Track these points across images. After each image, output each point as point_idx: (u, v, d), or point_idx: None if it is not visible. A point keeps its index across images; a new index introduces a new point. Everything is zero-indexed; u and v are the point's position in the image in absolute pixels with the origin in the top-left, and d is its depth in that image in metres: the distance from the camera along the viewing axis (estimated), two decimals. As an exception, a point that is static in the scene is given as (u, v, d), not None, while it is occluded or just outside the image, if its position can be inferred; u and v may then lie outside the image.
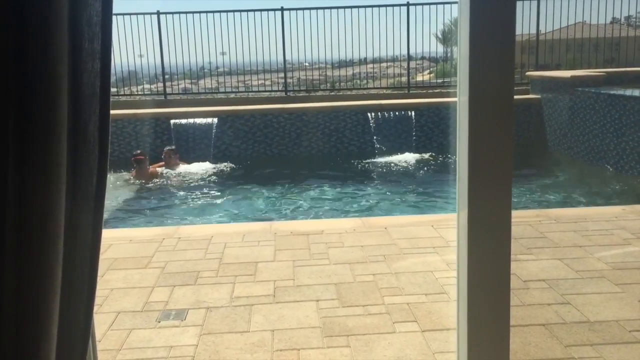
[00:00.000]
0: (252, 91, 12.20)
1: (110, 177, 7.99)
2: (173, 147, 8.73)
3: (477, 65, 1.37)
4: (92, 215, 1.00)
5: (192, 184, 8.07)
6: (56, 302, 0.92)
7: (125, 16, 10.87)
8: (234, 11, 10.87)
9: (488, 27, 1.35)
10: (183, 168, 8.58)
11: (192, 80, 13.04)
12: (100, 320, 3.04)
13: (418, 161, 9.04)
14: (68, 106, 0.93)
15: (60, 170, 0.91)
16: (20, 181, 0.90)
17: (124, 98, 11.16)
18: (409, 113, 9.50)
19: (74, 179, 0.97)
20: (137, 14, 10.88)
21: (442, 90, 11.12)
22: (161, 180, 8.13)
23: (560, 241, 4.14)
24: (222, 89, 12.05)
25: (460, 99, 1.44)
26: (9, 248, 0.90)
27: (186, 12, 10.97)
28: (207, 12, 10.90)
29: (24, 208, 0.90)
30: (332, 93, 11.78)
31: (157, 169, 8.38)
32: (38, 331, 0.90)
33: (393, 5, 10.83)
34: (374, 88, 12.48)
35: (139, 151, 8.36)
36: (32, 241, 0.90)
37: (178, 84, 12.61)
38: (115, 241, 4.35)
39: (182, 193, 7.63)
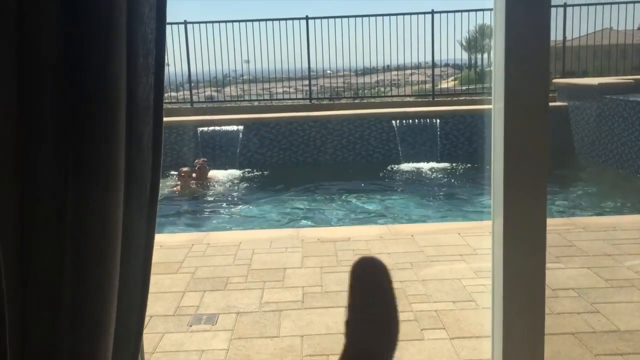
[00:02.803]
0: (276, 99, 12.29)
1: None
2: (205, 159, 8.56)
3: (512, 72, 1.39)
4: (145, 221, 1.05)
5: (225, 194, 8.09)
6: (114, 304, 0.97)
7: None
8: (259, 20, 11.01)
9: (524, 34, 1.37)
10: (215, 178, 8.49)
11: (217, 88, 13.18)
12: (134, 324, 3.11)
13: (444, 169, 9.01)
14: (125, 118, 0.98)
15: (118, 179, 0.97)
16: (81, 189, 0.95)
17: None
18: (434, 121, 9.49)
19: (129, 187, 1.02)
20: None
21: (467, 98, 11.07)
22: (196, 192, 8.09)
23: (590, 250, 4.10)
24: (246, 97, 12.16)
25: (495, 106, 1.46)
26: (69, 249, 0.95)
27: (212, 22, 11.15)
28: (232, 21, 11.05)
29: (85, 213, 0.95)
30: (356, 101, 11.80)
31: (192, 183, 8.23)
32: (98, 330, 0.95)
33: (418, 13, 10.85)
34: (398, 95, 12.47)
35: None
36: (91, 242, 0.95)
37: (204, 92, 12.75)
38: (145, 247, 4.43)
39: (216, 204, 7.64)
